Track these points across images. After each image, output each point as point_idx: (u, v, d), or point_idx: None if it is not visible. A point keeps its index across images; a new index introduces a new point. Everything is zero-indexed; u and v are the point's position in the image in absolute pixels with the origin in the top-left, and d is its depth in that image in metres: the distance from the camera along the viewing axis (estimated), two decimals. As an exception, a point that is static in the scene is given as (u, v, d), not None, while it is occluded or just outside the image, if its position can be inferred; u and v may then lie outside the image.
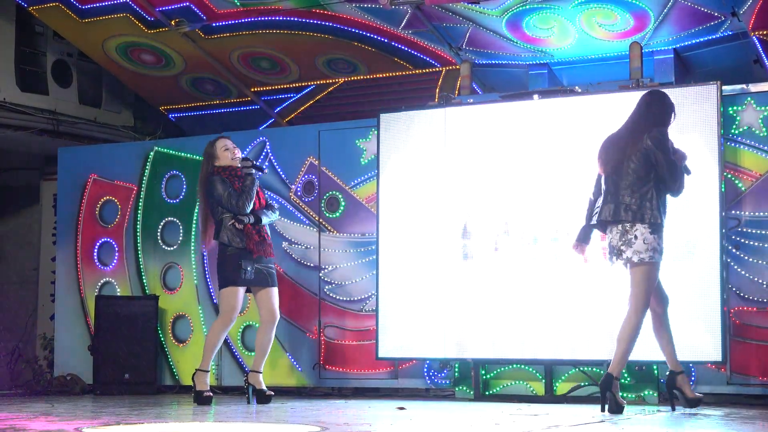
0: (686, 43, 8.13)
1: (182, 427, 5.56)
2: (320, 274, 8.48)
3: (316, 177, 8.58)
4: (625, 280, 6.53)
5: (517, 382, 7.77)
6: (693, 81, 7.88)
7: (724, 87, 7.22)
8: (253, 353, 7.40)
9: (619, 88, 7.54)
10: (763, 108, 7.25)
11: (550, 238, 7.51)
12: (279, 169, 8.68)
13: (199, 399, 7.16)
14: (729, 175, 7.25)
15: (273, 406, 6.97)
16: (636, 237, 6.11)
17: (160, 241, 9.14)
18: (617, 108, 7.34)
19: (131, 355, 8.78)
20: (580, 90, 7.70)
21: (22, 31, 9.86)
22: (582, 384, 7.53)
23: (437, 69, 9.05)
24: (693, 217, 7.02)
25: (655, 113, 6.32)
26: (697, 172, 6.66)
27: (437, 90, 9.14)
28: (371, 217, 8.26)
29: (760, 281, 7.16)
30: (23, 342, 10.50)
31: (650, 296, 6.20)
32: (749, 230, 7.22)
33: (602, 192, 6.35)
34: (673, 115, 6.36)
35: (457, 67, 8.67)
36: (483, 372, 7.83)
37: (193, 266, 8.97)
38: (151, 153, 9.28)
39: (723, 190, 7.12)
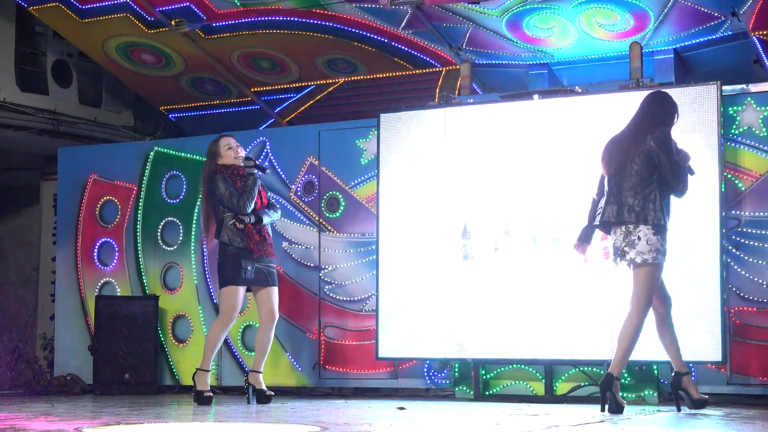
0: (686, 43, 8.13)
1: (182, 427, 5.56)
2: (320, 274, 8.48)
3: (316, 177, 8.58)
4: (625, 280, 6.53)
5: (517, 382, 7.77)
6: (693, 81, 7.87)
7: (724, 87, 7.23)
8: (253, 353, 7.40)
9: (619, 88, 7.55)
10: (763, 108, 7.25)
11: (550, 238, 7.51)
12: (279, 169, 8.68)
13: (200, 399, 7.16)
14: (729, 175, 7.25)
15: (273, 406, 6.97)
16: (639, 238, 6.11)
17: (160, 241, 9.14)
18: (617, 108, 7.35)
19: (131, 355, 8.78)
20: (580, 90, 7.70)
21: (22, 31, 9.86)
22: (582, 384, 7.53)
23: (437, 69, 9.05)
24: (693, 217, 7.02)
25: (657, 114, 6.31)
26: (697, 172, 6.65)
27: (437, 90, 9.14)
28: (371, 217, 8.26)
29: (760, 281, 7.16)
30: (23, 342, 10.50)
31: (652, 297, 6.20)
32: (749, 230, 7.22)
33: (605, 193, 6.34)
34: (676, 115, 6.36)
35: (457, 67, 8.67)
36: (483, 372, 7.83)
37: (193, 266, 8.97)
38: (151, 153, 9.29)
39: (723, 190, 7.12)
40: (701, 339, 6.94)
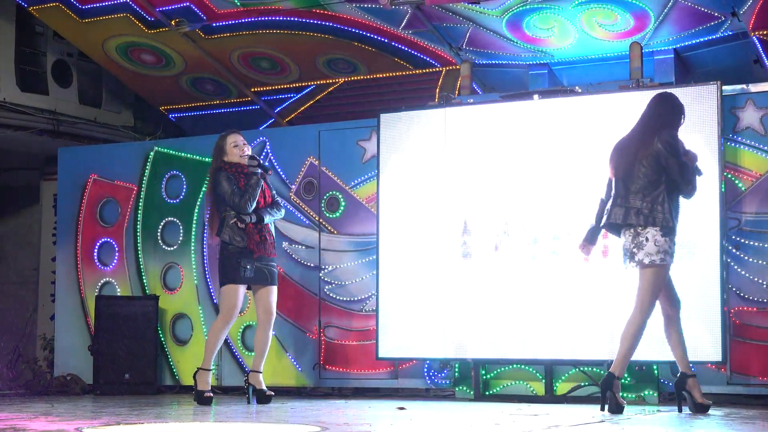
0: (686, 43, 8.13)
1: (182, 427, 5.56)
2: (320, 274, 8.48)
3: (316, 177, 8.58)
4: (626, 280, 6.54)
5: (517, 382, 7.77)
6: (693, 81, 7.88)
7: (724, 87, 7.23)
8: (252, 353, 7.40)
9: (619, 88, 7.55)
10: (763, 108, 7.25)
11: (550, 238, 7.51)
12: (279, 169, 8.68)
13: (200, 399, 7.15)
14: (729, 175, 7.25)
15: (273, 406, 6.97)
16: (647, 239, 6.11)
17: (160, 241, 9.14)
18: (617, 108, 7.36)
19: (131, 355, 8.78)
20: (580, 90, 7.70)
21: (22, 31, 9.86)
22: (582, 384, 7.53)
23: (437, 69, 9.05)
24: (693, 217, 7.01)
25: (664, 115, 6.31)
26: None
27: (437, 90, 9.14)
28: (371, 217, 8.26)
29: (760, 281, 7.16)
30: (23, 342, 10.50)
31: (657, 298, 6.20)
32: (749, 230, 7.22)
33: (612, 195, 6.33)
34: (682, 116, 6.35)
35: (457, 67, 8.67)
36: (483, 372, 7.83)
37: (194, 266, 8.97)
38: (151, 153, 9.29)
39: (723, 190, 7.12)
40: (701, 339, 6.94)
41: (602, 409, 6.15)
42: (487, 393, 7.80)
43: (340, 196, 8.48)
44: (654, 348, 6.74)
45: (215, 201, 7.26)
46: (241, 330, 8.67)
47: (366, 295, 8.29)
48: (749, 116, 7.29)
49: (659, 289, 6.18)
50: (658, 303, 6.26)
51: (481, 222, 7.74)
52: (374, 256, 8.13)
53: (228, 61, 9.46)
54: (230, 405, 7.16)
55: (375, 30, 8.71)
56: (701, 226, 7.05)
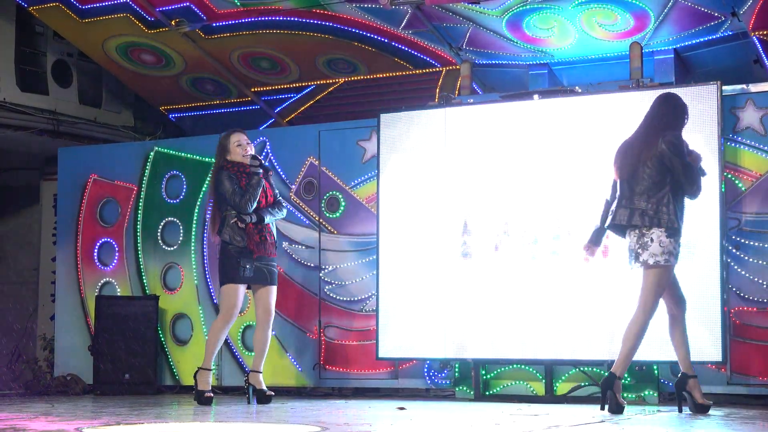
0: (686, 43, 8.13)
1: (182, 427, 5.56)
2: (320, 274, 8.48)
3: (316, 177, 8.58)
4: (626, 280, 6.54)
5: (517, 382, 7.77)
6: (693, 81, 7.88)
7: (724, 87, 7.23)
8: (252, 353, 7.40)
9: (619, 88, 7.55)
10: (763, 108, 7.25)
11: (551, 238, 7.51)
12: (279, 169, 8.68)
13: (200, 399, 7.15)
14: (729, 175, 7.25)
15: (273, 407, 6.98)
16: (652, 240, 6.11)
17: (160, 241, 9.14)
18: (617, 108, 7.36)
19: (131, 355, 8.77)
20: (580, 90, 7.70)
21: (22, 31, 9.86)
22: (582, 384, 7.53)
23: (437, 69, 9.05)
24: (693, 217, 7.00)
25: (668, 114, 6.31)
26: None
27: (437, 90, 9.14)
28: (371, 217, 8.26)
29: (761, 281, 7.16)
30: (23, 342, 10.50)
31: (659, 299, 6.20)
32: (749, 230, 7.22)
33: (616, 196, 6.33)
34: (686, 116, 6.35)
35: (458, 67, 8.67)
36: (483, 372, 7.83)
37: (194, 266, 8.97)
38: (152, 153, 9.29)
39: (723, 190, 7.12)
40: (701, 339, 6.94)
41: (602, 408, 6.15)
42: (487, 393, 7.80)
43: (340, 196, 8.48)
44: (654, 348, 6.75)
45: (217, 200, 7.27)
46: (241, 330, 8.67)
47: (366, 295, 8.29)
48: (749, 116, 7.29)
49: (662, 289, 6.18)
50: (662, 303, 6.26)
51: (481, 222, 7.74)
52: (374, 256, 8.13)
53: (228, 61, 9.46)
54: (230, 405, 7.16)
55: (375, 30, 8.71)
56: (701, 226, 7.05)
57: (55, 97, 10.05)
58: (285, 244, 8.54)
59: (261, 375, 7.25)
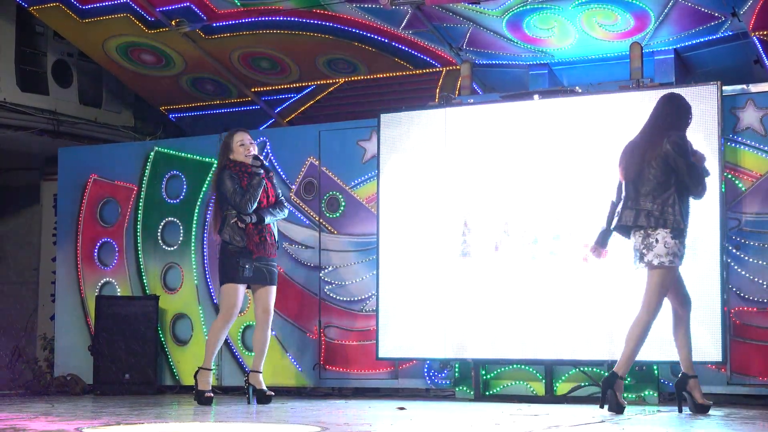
0: (687, 44, 8.13)
1: (182, 427, 5.56)
2: (320, 274, 8.48)
3: (316, 177, 8.58)
4: (626, 280, 6.54)
5: (517, 382, 7.77)
6: (693, 81, 7.88)
7: (724, 87, 7.23)
8: (252, 353, 7.40)
9: (619, 88, 7.55)
10: (763, 108, 7.25)
11: (551, 237, 7.51)
12: (279, 169, 8.68)
13: (200, 399, 7.15)
14: (729, 175, 7.25)
15: (273, 407, 6.98)
16: (657, 241, 6.11)
17: (160, 241, 9.14)
18: (617, 108, 7.36)
19: (131, 355, 8.77)
20: (580, 90, 7.70)
21: (23, 31, 9.86)
22: (582, 384, 7.52)
23: (437, 69, 9.05)
24: (693, 217, 6.99)
25: (671, 115, 6.31)
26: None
27: (437, 90, 9.14)
28: (371, 217, 8.26)
29: (761, 281, 7.16)
30: (23, 342, 10.50)
31: (663, 299, 6.20)
32: (749, 230, 7.22)
33: (622, 197, 6.33)
34: (689, 116, 6.36)
35: (458, 67, 8.67)
36: (483, 372, 7.83)
37: (194, 266, 8.97)
38: (152, 153, 9.28)
39: (723, 190, 7.12)
40: (701, 339, 6.93)
41: (601, 406, 6.15)
42: (487, 393, 7.80)
43: (341, 196, 8.48)
44: (654, 348, 6.74)
45: (218, 199, 7.28)
46: (241, 330, 8.67)
47: (366, 295, 8.29)
48: (749, 116, 7.28)
49: (666, 290, 6.19)
50: (667, 303, 6.26)
51: (481, 222, 7.74)
52: (374, 256, 8.13)
53: (228, 61, 9.46)
54: (230, 405, 7.16)
55: (375, 30, 8.71)
56: (701, 226, 7.04)
57: (56, 97, 10.06)
58: (285, 244, 8.54)
59: (261, 375, 7.25)
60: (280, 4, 8.58)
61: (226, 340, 8.41)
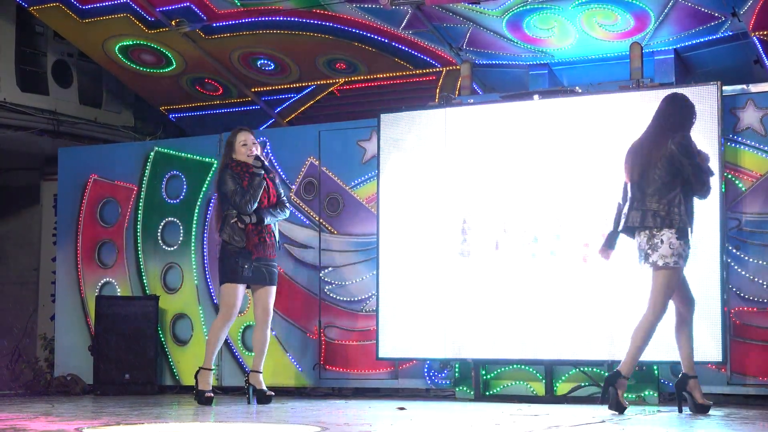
0: (687, 44, 8.13)
1: (182, 427, 5.56)
2: (320, 274, 8.48)
3: (316, 177, 8.58)
4: (626, 280, 6.53)
5: (517, 382, 7.77)
6: (693, 81, 7.88)
7: (724, 87, 7.23)
8: (252, 353, 7.40)
9: (619, 88, 7.55)
10: (763, 108, 7.25)
11: (550, 237, 7.51)
12: (279, 169, 8.68)
13: (201, 399, 7.15)
14: (729, 175, 7.25)
15: (273, 407, 6.98)
16: (662, 241, 6.11)
17: (160, 242, 9.14)
18: (617, 108, 7.36)
19: (131, 355, 8.77)
20: (580, 90, 7.70)
21: (23, 31, 9.87)
22: (582, 384, 7.52)
23: (437, 69, 9.05)
24: (694, 217, 7.01)
25: (674, 115, 6.31)
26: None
27: (437, 90, 9.14)
28: (371, 217, 8.26)
29: (761, 281, 7.16)
30: (23, 342, 10.50)
31: (669, 300, 6.20)
32: (749, 230, 7.22)
33: (628, 198, 6.33)
34: (693, 116, 6.36)
35: (458, 67, 8.67)
36: (483, 372, 7.83)
37: (194, 266, 8.97)
38: (152, 153, 9.28)
39: (723, 190, 7.12)
40: (701, 339, 6.92)
41: (601, 401, 6.15)
42: (487, 393, 7.80)
43: (340, 197, 8.48)
44: (654, 348, 6.73)
45: (219, 198, 7.29)
46: (241, 330, 8.67)
47: (366, 295, 8.29)
48: (749, 116, 7.29)
49: (672, 291, 6.19)
50: (671, 304, 6.26)
51: (481, 222, 7.73)
52: (374, 256, 8.13)
53: (228, 61, 9.46)
54: (230, 405, 7.16)
55: (375, 30, 8.72)
56: (702, 226, 7.03)
57: (56, 97, 10.06)
58: (285, 244, 8.54)
59: (261, 375, 7.25)
60: (280, 4, 8.58)
61: (226, 341, 8.41)
